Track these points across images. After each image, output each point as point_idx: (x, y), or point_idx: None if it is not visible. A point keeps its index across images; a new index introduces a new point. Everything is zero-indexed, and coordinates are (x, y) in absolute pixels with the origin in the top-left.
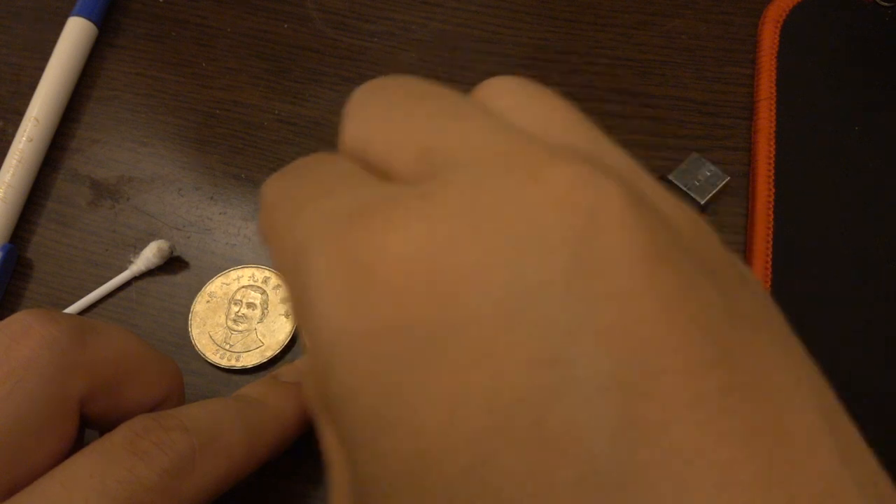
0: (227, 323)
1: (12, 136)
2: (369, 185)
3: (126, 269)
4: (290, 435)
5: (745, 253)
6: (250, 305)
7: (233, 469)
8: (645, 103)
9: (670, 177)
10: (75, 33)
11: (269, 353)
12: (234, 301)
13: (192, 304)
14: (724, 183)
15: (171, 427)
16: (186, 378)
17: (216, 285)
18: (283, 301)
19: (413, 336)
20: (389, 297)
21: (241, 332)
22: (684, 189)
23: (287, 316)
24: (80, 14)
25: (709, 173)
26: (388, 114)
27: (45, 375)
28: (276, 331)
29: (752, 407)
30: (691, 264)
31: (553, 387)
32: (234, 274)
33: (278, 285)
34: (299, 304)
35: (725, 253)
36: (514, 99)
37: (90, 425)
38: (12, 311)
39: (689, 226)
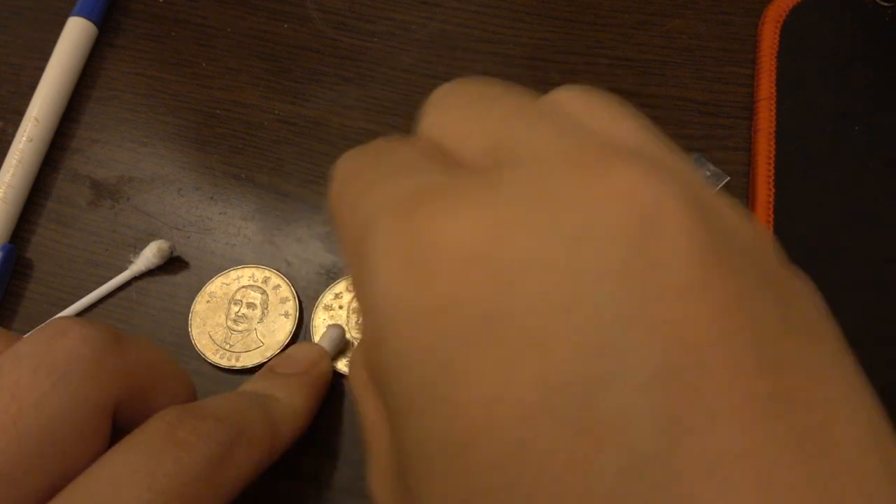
0: (227, 323)
1: (12, 136)
2: (438, 170)
3: (126, 269)
4: (302, 427)
5: None
6: (250, 305)
7: (261, 460)
8: (645, 103)
9: None
10: (75, 33)
11: (269, 353)
12: (234, 301)
13: (192, 304)
14: (724, 183)
15: (203, 416)
16: None
17: (216, 285)
18: (282, 301)
19: (469, 315)
20: (449, 276)
21: (241, 332)
22: None
23: (287, 316)
24: (80, 14)
25: (709, 173)
26: (465, 107)
27: (86, 372)
28: (276, 331)
29: (798, 416)
30: (749, 271)
31: (602, 375)
32: (234, 274)
33: (278, 285)
34: (359, 279)
35: (785, 266)
36: (583, 104)
37: (117, 431)
38: (12, 311)
39: (749, 235)
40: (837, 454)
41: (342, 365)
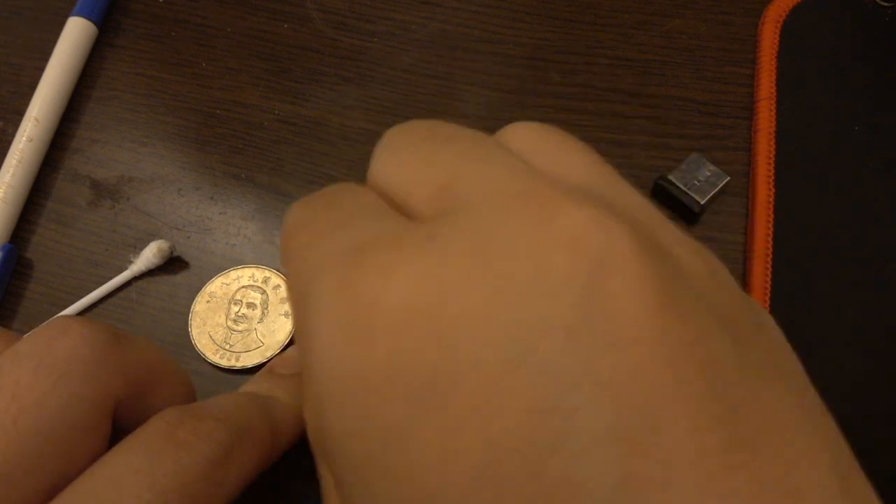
0: (227, 323)
1: (12, 136)
2: (383, 220)
3: (126, 269)
4: (302, 426)
5: (745, 253)
6: (250, 305)
7: (262, 460)
8: (645, 103)
9: (670, 177)
10: (75, 33)
11: (269, 353)
12: (234, 301)
13: (192, 304)
14: (724, 183)
15: (204, 416)
16: None
17: (216, 285)
18: (282, 301)
19: (409, 379)
20: (387, 337)
21: (241, 332)
22: (684, 189)
23: (287, 316)
24: (80, 14)
25: (709, 173)
26: (412, 152)
27: (86, 371)
28: (276, 331)
29: (759, 465)
30: (703, 313)
31: (551, 437)
32: (234, 274)
33: (278, 285)
34: (302, 336)
35: (743, 299)
36: (535, 142)
37: (117, 431)
38: (12, 311)
39: (704, 271)
40: (802, 500)
41: None
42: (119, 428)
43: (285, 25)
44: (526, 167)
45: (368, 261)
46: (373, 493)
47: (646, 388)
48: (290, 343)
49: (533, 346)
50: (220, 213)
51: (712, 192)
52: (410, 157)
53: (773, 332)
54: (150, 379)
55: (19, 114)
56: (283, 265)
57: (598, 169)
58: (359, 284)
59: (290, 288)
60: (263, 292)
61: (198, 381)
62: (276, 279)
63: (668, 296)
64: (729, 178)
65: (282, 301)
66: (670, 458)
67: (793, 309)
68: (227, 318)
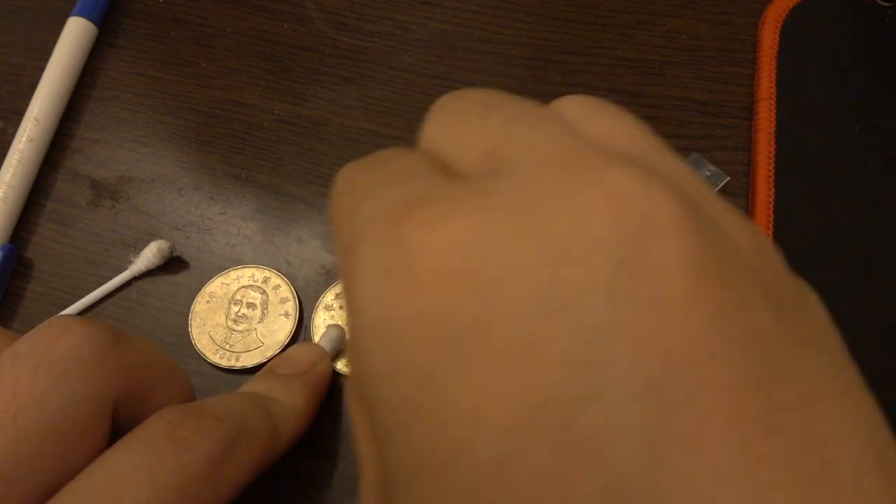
0: (227, 323)
1: (12, 136)
2: (431, 179)
3: (126, 269)
4: (303, 427)
5: None
6: (250, 305)
7: (261, 460)
8: (645, 103)
9: None
10: (75, 33)
11: (269, 353)
12: (234, 301)
13: (192, 304)
14: (724, 183)
15: (204, 415)
16: None
17: (216, 285)
18: (282, 301)
19: (450, 327)
20: (430, 286)
21: (241, 332)
22: None
23: (287, 316)
24: (80, 14)
25: (709, 173)
26: (463, 116)
27: (86, 369)
28: (276, 331)
29: (796, 432)
30: (746, 282)
31: (585, 389)
32: (233, 274)
33: (278, 285)
34: (346, 289)
35: (787, 274)
36: (584, 112)
37: (116, 430)
38: (12, 311)
39: (749, 244)
40: (837, 472)
41: (342, 365)
42: (119, 427)
43: (285, 25)
44: (574, 133)
45: (415, 213)
46: (408, 437)
47: (685, 348)
48: (291, 343)
49: (572, 301)
50: (220, 213)
51: None
52: (460, 120)
53: (818, 309)
54: (149, 378)
55: (19, 114)
56: (333, 226)
57: (647, 140)
58: (404, 235)
59: (338, 247)
60: (263, 292)
61: (198, 381)
62: (276, 279)
63: (711, 261)
64: (729, 178)
65: (282, 301)
66: (705, 419)
67: None
68: (227, 318)
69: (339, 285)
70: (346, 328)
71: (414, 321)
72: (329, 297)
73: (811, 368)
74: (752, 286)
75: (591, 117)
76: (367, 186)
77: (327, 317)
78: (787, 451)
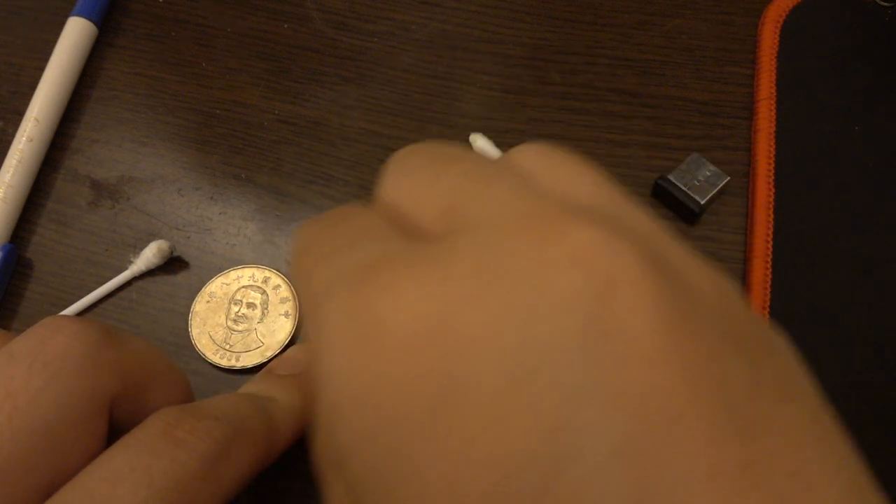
0: (227, 323)
1: (12, 136)
2: (390, 240)
3: (126, 269)
4: (301, 428)
5: (745, 253)
6: (250, 305)
7: (259, 460)
8: (645, 103)
9: (670, 177)
10: (75, 33)
11: (269, 353)
12: (234, 301)
13: (192, 304)
14: (724, 183)
15: (201, 416)
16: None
17: (216, 285)
18: (283, 301)
19: (417, 397)
20: (395, 355)
21: (241, 332)
22: (684, 189)
23: (287, 316)
24: (80, 14)
25: (709, 173)
26: (420, 172)
27: (80, 368)
28: (276, 331)
29: (775, 483)
30: (714, 331)
31: (562, 453)
32: (233, 274)
33: (278, 285)
34: (313, 354)
35: (754, 320)
36: (541, 163)
37: (114, 431)
38: (12, 311)
39: (715, 291)
40: None
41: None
42: (118, 429)
43: (285, 25)
44: (531, 188)
45: (375, 279)
46: (388, 502)
47: (658, 404)
48: (291, 343)
49: (541, 365)
50: (220, 213)
51: (712, 193)
52: (416, 179)
53: (787, 353)
54: (145, 376)
55: (19, 114)
56: (294, 285)
57: (606, 190)
58: (366, 301)
59: (302, 307)
60: (263, 292)
61: (198, 381)
62: (276, 279)
63: (678, 314)
64: (729, 178)
65: (282, 301)
66: (684, 476)
67: (793, 309)
68: (227, 318)
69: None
70: None
71: (380, 389)
72: None
73: (786, 416)
74: (721, 335)
75: (548, 168)
76: (325, 248)
77: None
78: None
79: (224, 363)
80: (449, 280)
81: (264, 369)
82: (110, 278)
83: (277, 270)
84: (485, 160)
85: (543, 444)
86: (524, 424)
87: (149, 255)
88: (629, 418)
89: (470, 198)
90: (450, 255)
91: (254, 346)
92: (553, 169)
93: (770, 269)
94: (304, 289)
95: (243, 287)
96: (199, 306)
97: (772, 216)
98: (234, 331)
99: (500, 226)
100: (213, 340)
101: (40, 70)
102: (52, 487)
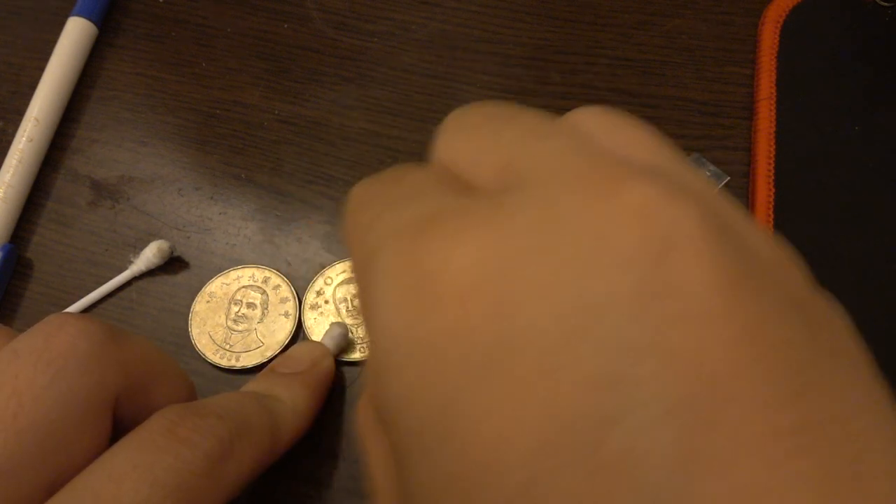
0: (227, 323)
1: (12, 136)
2: (447, 195)
3: (126, 269)
4: (304, 426)
5: None
6: (250, 305)
7: (262, 458)
8: (645, 103)
9: None
10: (75, 33)
11: (269, 353)
12: (234, 301)
13: (192, 304)
14: (724, 183)
15: (205, 414)
16: None
17: (216, 285)
18: (282, 301)
19: (472, 348)
20: (451, 306)
21: (241, 332)
22: None
23: (287, 316)
24: (80, 14)
25: (709, 173)
26: (477, 130)
27: (84, 365)
28: (276, 331)
29: (829, 448)
30: (772, 294)
31: (614, 409)
32: (234, 274)
33: (278, 285)
34: (364, 308)
35: (812, 287)
36: (601, 124)
37: (117, 429)
38: (12, 311)
39: (773, 256)
40: (872, 490)
41: (358, 356)
42: (122, 427)
43: (285, 25)
44: (593, 146)
45: (433, 230)
46: (431, 460)
47: (712, 364)
48: (291, 343)
49: (597, 318)
50: (220, 213)
51: None
52: (474, 135)
53: (845, 321)
54: (148, 374)
55: (19, 114)
56: (345, 242)
57: (665, 151)
58: (423, 252)
59: (353, 264)
60: (263, 292)
61: (198, 381)
62: (276, 279)
63: (738, 273)
64: (729, 178)
65: (282, 301)
66: (736, 436)
67: None
68: (227, 318)
69: (317, 281)
70: (348, 325)
71: (435, 341)
72: (311, 296)
73: (841, 382)
74: (779, 298)
75: (606, 129)
76: (381, 203)
77: (317, 315)
78: (822, 470)
79: (224, 363)
80: (506, 233)
81: (267, 368)
82: (110, 278)
83: (277, 270)
84: (543, 117)
85: (595, 399)
86: (576, 379)
87: (149, 255)
88: (683, 376)
89: (528, 155)
90: (508, 210)
91: (254, 346)
92: (612, 130)
93: None
94: (359, 244)
95: (243, 287)
96: (199, 306)
97: (772, 216)
98: (234, 331)
99: (559, 182)
100: (213, 340)
101: (40, 70)
102: (56, 485)
